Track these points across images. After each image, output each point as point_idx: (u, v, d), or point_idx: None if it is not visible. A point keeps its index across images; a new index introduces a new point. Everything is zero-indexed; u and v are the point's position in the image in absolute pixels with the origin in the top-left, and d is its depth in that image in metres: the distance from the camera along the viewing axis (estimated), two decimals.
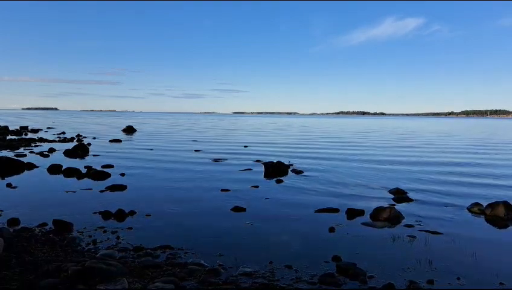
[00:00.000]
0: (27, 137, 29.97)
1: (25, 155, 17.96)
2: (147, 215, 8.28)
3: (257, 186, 11.61)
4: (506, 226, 8.00)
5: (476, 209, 8.97)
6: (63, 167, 13.96)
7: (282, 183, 12.22)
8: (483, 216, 8.60)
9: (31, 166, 14.48)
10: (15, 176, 12.76)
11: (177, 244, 6.48)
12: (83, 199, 9.70)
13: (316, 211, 8.82)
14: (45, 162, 15.49)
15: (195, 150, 21.88)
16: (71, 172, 13.39)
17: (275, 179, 12.94)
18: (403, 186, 11.58)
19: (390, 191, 10.95)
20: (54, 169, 13.82)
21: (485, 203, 9.07)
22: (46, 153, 19.18)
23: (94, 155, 18.80)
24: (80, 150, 19.55)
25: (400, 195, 10.52)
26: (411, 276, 5.31)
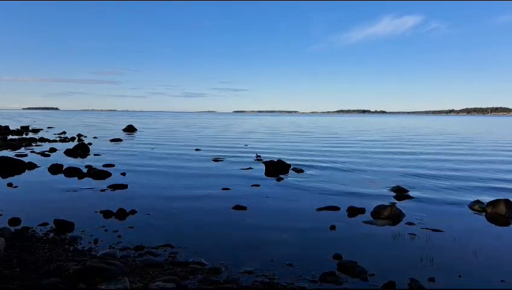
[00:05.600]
0: (28, 137, 29.99)
1: (26, 155, 17.95)
2: (147, 214, 8.28)
3: (258, 185, 11.60)
4: (507, 224, 7.99)
5: (477, 207, 8.95)
6: (64, 167, 13.96)
7: (282, 182, 12.21)
8: (484, 214, 8.59)
9: (31, 166, 14.48)
10: (16, 176, 12.76)
11: (178, 243, 6.48)
12: (84, 199, 9.70)
13: (316, 210, 8.81)
14: (46, 162, 15.48)
15: (196, 149, 21.87)
16: (72, 172, 13.39)
17: (276, 177, 12.93)
18: (404, 184, 11.56)
19: (392, 189, 10.94)
20: (55, 169, 13.82)
21: (486, 201, 9.07)
22: (47, 152, 19.19)
23: (95, 155, 18.79)
24: (81, 149, 19.56)
25: (401, 193, 10.51)
26: (412, 274, 5.30)
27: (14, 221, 7.49)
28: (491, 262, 5.87)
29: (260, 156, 17.88)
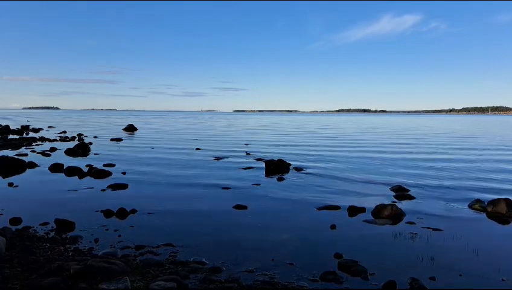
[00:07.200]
0: (28, 136, 30.00)
1: (27, 154, 17.95)
2: (148, 213, 8.28)
3: (258, 184, 11.60)
4: (507, 223, 7.99)
5: (477, 206, 8.95)
6: (65, 166, 13.97)
7: (283, 181, 12.21)
8: (484, 213, 8.59)
9: (32, 165, 14.49)
10: (16, 176, 12.77)
11: (179, 242, 6.48)
12: (85, 198, 9.71)
13: (317, 209, 8.82)
14: (46, 161, 15.49)
15: (197, 148, 21.88)
16: (72, 171, 13.40)
17: (276, 176, 12.94)
18: (404, 183, 11.56)
19: (392, 189, 10.94)
20: (56, 168, 13.83)
21: (486, 200, 9.06)
22: (48, 152, 19.18)
23: (95, 154, 18.80)
24: (81, 149, 19.56)
25: (401, 192, 10.50)
26: (413, 273, 5.31)
27: (15, 220, 7.49)
28: (491, 261, 5.87)
29: (250, 154, 18.62)
